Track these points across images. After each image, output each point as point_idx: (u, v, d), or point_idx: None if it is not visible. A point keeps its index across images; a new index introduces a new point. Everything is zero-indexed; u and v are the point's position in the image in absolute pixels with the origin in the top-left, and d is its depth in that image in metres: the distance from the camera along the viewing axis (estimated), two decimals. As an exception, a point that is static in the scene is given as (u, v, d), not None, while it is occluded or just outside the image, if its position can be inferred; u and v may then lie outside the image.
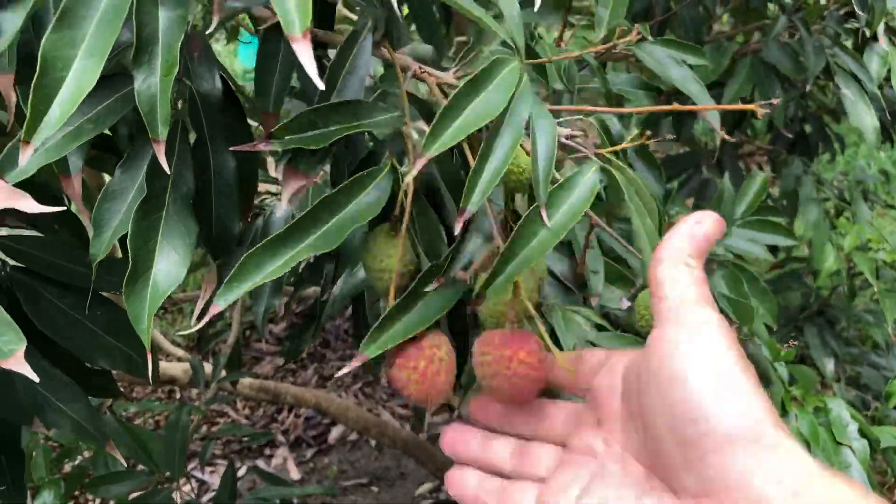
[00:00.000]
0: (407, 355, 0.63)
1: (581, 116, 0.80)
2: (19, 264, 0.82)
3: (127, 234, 0.64)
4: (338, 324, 3.70)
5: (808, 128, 2.18)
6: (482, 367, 0.65)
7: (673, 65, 1.11)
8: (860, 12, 1.48)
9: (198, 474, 2.67)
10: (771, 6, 1.90)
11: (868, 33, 1.59)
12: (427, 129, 0.56)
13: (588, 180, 0.63)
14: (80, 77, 0.57)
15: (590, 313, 0.95)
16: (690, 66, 1.12)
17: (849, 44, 1.76)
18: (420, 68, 0.67)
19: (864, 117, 1.65)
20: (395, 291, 0.67)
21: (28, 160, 0.54)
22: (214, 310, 0.59)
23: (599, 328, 0.94)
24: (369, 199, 0.65)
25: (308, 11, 0.47)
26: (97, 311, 0.79)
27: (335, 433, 2.97)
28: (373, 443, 2.90)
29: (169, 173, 0.61)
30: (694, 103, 1.06)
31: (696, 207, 1.79)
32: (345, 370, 0.63)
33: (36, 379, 0.56)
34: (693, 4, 1.81)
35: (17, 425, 0.80)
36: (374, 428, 2.53)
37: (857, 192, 2.39)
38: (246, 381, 2.44)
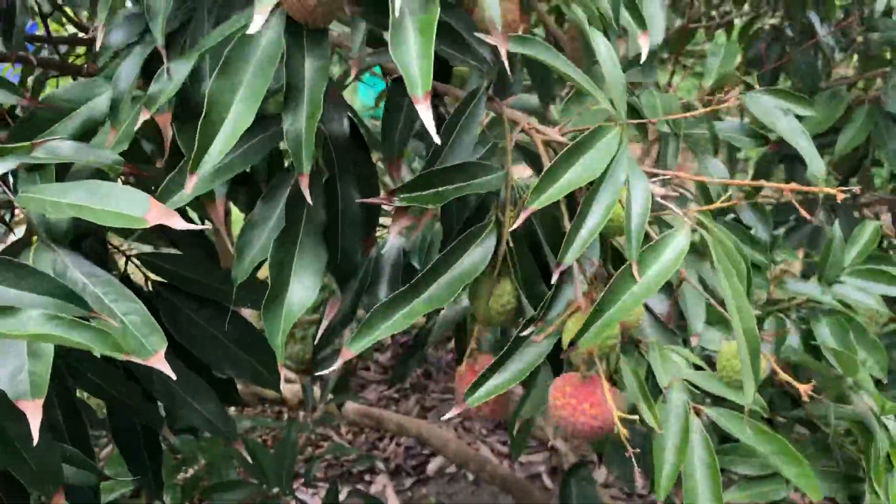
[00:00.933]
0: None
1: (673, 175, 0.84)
2: (160, 279, 0.92)
3: (264, 259, 0.73)
4: (440, 355, 3.78)
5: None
6: (556, 411, 0.71)
7: (780, 115, 1.13)
8: None
9: (300, 495, 2.78)
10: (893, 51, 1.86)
11: None
12: (530, 172, 0.62)
13: (679, 242, 0.67)
14: (237, 118, 0.66)
15: (687, 353, 0.98)
16: (799, 117, 1.13)
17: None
18: (528, 124, 0.74)
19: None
20: (499, 326, 0.73)
21: (192, 188, 0.63)
22: (347, 355, 0.67)
23: (696, 367, 0.96)
24: (475, 257, 0.73)
25: (429, 75, 0.54)
26: (231, 325, 0.89)
27: (434, 464, 3.02)
28: (470, 477, 2.93)
29: (311, 203, 0.69)
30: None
31: (807, 255, 1.76)
32: (451, 414, 0.69)
33: (174, 377, 0.64)
34: (809, 49, 1.81)
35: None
36: (472, 462, 2.57)
37: None
38: (351, 407, 2.53)
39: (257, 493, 1.65)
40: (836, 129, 1.71)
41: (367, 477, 2.99)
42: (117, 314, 0.67)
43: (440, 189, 0.70)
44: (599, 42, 0.68)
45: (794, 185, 0.67)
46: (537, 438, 2.82)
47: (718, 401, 0.97)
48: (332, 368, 0.74)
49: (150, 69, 0.79)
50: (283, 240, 0.75)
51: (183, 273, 0.93)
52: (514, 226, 0.64)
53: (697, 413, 0.95)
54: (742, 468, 1.27)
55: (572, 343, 0.66)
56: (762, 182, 0.75)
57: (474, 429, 3.21)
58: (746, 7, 2.36)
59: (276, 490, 1.68)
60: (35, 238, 0.73)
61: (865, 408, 1.19)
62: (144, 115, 0.74)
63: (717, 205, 0.72)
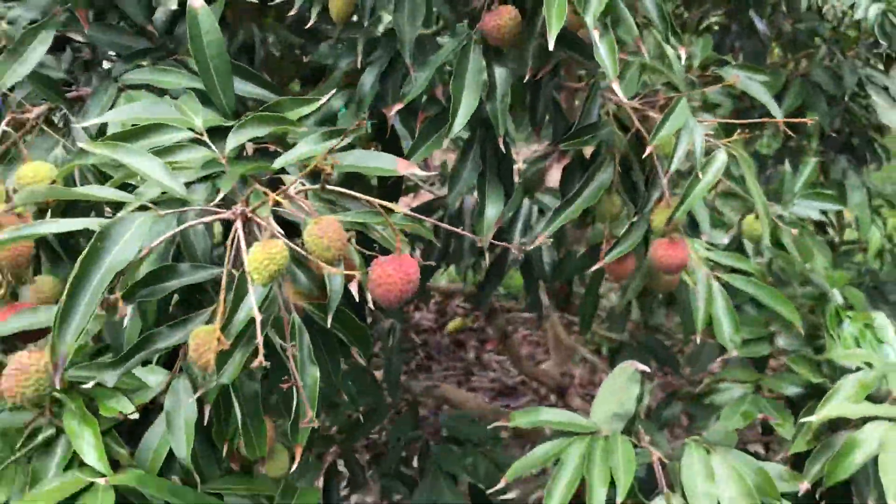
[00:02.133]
0: None
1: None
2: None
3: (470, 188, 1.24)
4: (440, 340, 4.33)
5: (856, 141, 2.69)
6: (664, 253, 1.22)
7: (748, 81, 1.67)
8: (882, 41, 2.02)
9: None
10: (815, 39, 2.45)
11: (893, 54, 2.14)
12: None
13: (721, 157, 1.20)
14: (468, 104, 1.17)
15: (703, 242, 1.52)
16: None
17: (879, 66, 2.30)
18: (621, 100, 1.25)
19: (894, 118, 2.18)
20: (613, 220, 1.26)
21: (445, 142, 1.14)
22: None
23: (708, 249, 1.51)
24: (602, 179, 1.25)
25: (616, 66, 1.05)
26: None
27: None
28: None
29: (503, 152, 1.20)
30: (766, 108, 1.62)
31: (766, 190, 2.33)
32: (597, 266, 1.22)
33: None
34: (753, 40, 2.39)
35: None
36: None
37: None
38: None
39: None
40: (779, 98, 2.29)
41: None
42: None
43: (586, 137, 1.22)
44: (670, 50, 1.20)
45: (781, 120, 1.21)
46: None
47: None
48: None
49: (384, 77, 1.29)
50: (482, 178, 1.26)
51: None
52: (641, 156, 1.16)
53: (717, 278, 1.50)
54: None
55: (670, 220, 1.19)
56: (763, 120, 1.28)
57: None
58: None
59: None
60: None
61: (822, 282, 1.75)
62: (398, 106, 1.23)
63: (735, 138, 1.26)
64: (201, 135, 0.97)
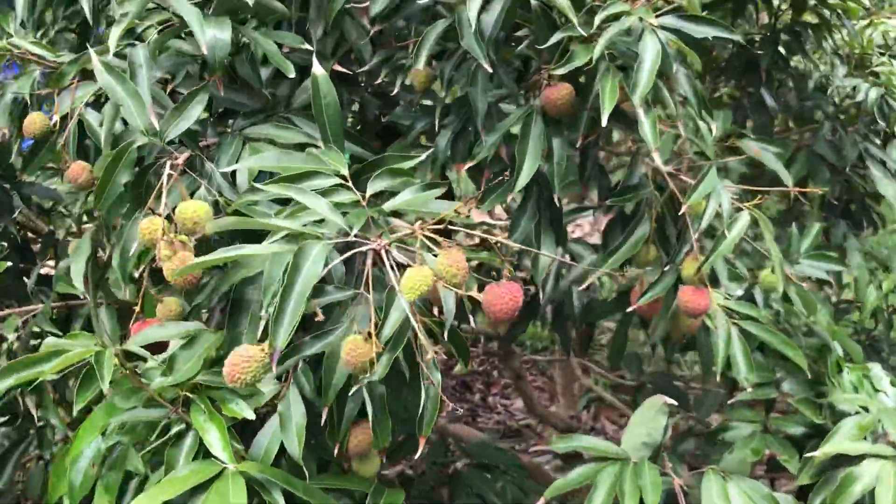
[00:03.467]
0: None
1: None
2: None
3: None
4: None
5: (854, 207, 2.92)
6: (688, 299, 1.43)
7: (764, 153, 1.90)
8: (881, 122, 2.26)
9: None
10: (818, 113, 2.69)
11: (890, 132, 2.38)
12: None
13: (745, 218, 1.42)
14: (530, 165, 1.39)
15: (722, 292, 1.72)
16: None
17: (877, 141, 2.55)
18: (663, 168, 1.47)
19: (889, 189, 2.41)
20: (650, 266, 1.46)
21: (510, 197, 1.35)
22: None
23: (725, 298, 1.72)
24: (640, 233, 1.47)
25: (657, 137, 1.27)
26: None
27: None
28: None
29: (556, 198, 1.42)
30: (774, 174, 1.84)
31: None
32: (631, 308, 1.43)
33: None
34: (762, 114, 2.63)
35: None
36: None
37: (893, 253, 3.13)
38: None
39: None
40: (787, 167, 2.52)
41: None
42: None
43: (629, 195, 1.43)
44: (703, 124, 1.43)
45: (792, 189, 1.42)
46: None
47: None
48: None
49: (456, 138, 1.51)
50: (537, 227, 1.47)
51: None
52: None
53: (735, 324, 1.70)
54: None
55: (698, 270, 1.39)
56: (778, 189, 1.50)
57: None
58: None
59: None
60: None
61: (824, 334, 1.95)
62: (469, 164, 1.44)
63: (756, 201, 1.47)
64: (346, 180, 1.18)
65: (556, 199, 1.42)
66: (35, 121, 1.47)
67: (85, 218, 2.01)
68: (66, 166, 1.49)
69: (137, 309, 1.37)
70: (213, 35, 1.30)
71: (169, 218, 1.21)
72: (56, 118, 1.49)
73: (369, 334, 1.06)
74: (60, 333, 2.07)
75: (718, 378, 1.74)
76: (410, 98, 1.61)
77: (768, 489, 1.59)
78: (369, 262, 1.07)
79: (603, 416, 4.09)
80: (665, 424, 1.60)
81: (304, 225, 1.06)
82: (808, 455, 1.63)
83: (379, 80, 1.55)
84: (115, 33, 1.25)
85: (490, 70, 1.33)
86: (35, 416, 2.10)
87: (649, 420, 1.60)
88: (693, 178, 1.49)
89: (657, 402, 1.59)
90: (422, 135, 1.60)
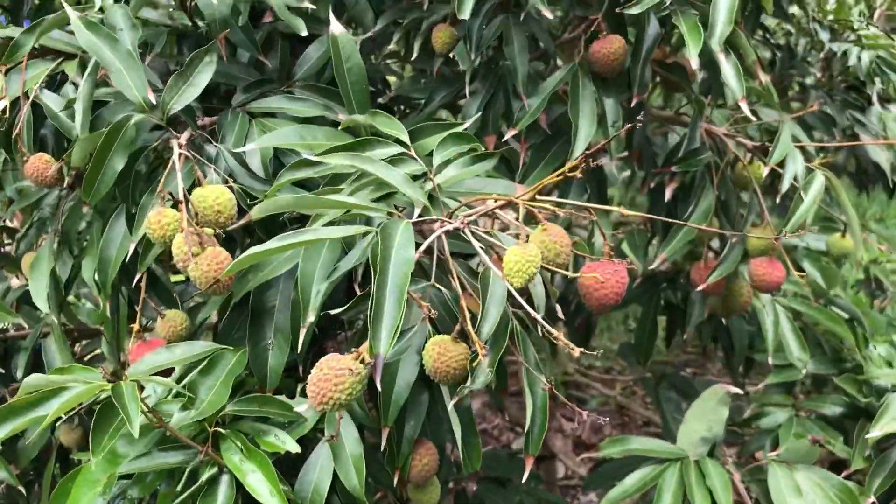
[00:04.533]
0: None
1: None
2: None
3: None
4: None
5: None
6: (759, 271, 1.28)
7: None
8: (878, 84, 2.18)
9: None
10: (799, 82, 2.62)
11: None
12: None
13: (820, 178, 1.27)
14: (588, 129, 1.20)
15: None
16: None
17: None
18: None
19: (880, 155, 2.34)
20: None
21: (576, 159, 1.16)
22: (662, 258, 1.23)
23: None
24: (706, 203, 1.30)
25: (742, 84, 1.11)
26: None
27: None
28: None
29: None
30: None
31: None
32: (700, 288, 1.26)
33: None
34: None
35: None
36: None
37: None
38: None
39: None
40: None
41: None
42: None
43: (694, 160, 1.27)
44: (764, 78, 1.27)
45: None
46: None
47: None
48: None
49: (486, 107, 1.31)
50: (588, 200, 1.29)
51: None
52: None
53: (777, 301, 1.57)
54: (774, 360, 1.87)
55: (776, 238, 1.24)
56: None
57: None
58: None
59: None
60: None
61: (851, 306, 1.84)
62: (512, 132, 1.25)
63: (821, 160, 1.33)
64: (408, 149, 0.96)
65: (614, 167, 1.24)
66: (-21, 107, 1.19)
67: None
68: (23, 160, 1.21)
69: (135, 328, 1.11)
70: (211, -13, 1.06)
71: (176, 207, 0.96)
72: (5, 103, 1.21)
73: (460, 333, 0.84)
74: (2, 371, 1.77)
75: (771, 360, 1.60)
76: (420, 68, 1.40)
77: (837, 477, 1.46)
78: (446, 244, 0.86)
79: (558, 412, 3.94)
80: (726, 416, 1.45)
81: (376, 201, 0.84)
82: (869, 436, 1.50)
83: (391, 47, 1.33)
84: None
85: (550, 16, 1.14)
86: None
87: (710, 412, 1.44)
88: (749, 140, 1.35)
89: (718, 391, 1.43)
90: (441, 108, 1.40)
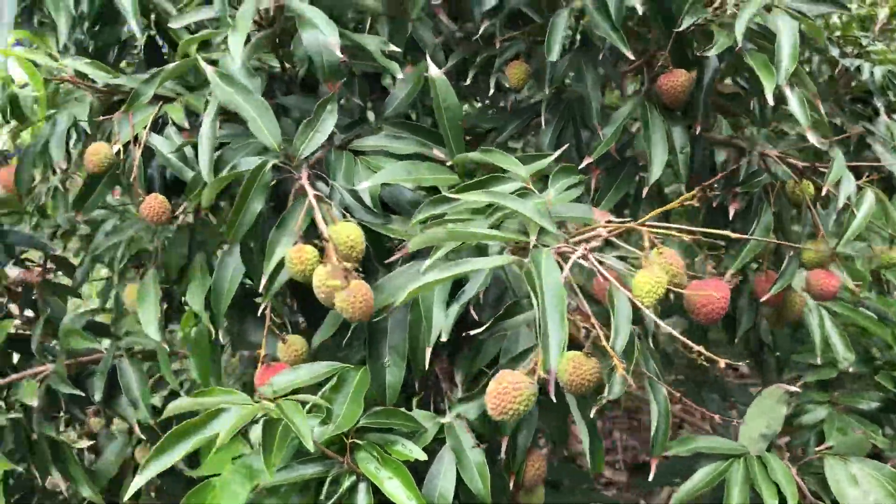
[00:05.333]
0: None
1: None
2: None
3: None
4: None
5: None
6: (818, 288, 1.38)
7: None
8: (893, 97, 2.31)
9: None
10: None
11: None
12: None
13: (870, 195, 1.38)
14: (659, 157, 1.31)
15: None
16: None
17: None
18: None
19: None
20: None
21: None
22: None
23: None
24: (767, 219, 1.40)
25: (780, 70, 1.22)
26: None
27: None
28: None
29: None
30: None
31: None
32: (768, 296, 1.37)
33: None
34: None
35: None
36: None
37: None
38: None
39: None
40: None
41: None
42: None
43: (752, 181, 1.38)
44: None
45: None
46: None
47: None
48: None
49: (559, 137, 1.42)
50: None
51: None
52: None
53: (822, 306, 1.68)
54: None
55: (832, 250, 1.35)
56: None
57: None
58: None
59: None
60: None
61: (880, 307, 1.96)
62: (588, 160, 1.36)
63: (867, 178, 1.44)
64: (528, 184, 1.06)
65: (684, 189, 1.35)
66: (99, 151, 1.28)
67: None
68: (138, 200, 1.31)
69: (262, 353, 1.20)
70: (323, 37, 1.16)
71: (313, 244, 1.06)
72: (118, 147, 1.31)
73: (593, 347, 0.95)
74: (82, 393, 1.85)
75: (819, 360, 1.72)
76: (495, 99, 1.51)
77: (887, 466, 1.57)
78: (567, 268, 0.96)
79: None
80: (784, 414, 1.55)
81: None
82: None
83: (467, 82, 1.44)
84: (237, 41, 1.09)
85: (629, 55, 1.25)
86: (63, 490, 1.87)
87: (769, 410, 1.55)
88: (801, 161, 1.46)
89: (777, 391, 1.54)
90: (511, 137, 1.50)
